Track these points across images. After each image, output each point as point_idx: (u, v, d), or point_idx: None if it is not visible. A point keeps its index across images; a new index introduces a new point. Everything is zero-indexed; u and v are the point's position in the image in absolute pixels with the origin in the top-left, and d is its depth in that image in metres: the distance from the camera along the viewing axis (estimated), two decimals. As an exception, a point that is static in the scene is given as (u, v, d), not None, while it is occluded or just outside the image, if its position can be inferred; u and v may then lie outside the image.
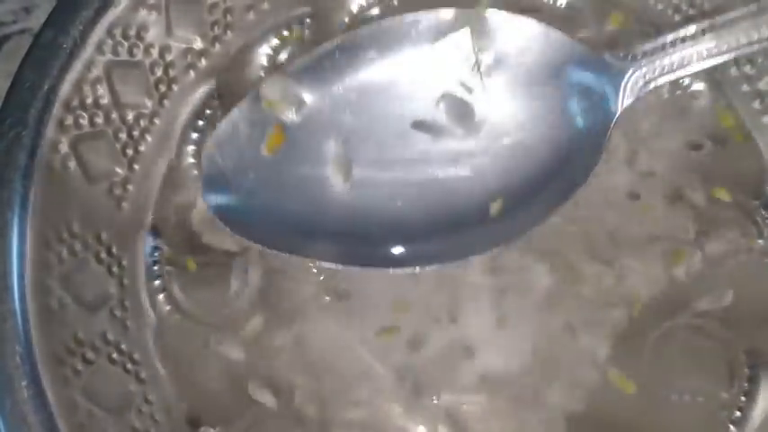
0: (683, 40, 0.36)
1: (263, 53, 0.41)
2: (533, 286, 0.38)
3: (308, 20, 0.42)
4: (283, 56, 0.41)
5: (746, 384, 0.37)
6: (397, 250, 0.38)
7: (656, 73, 0.36)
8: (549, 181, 0.37)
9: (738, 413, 0.37)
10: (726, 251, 0.39)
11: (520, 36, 0.37)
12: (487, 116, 0.38)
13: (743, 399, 0.37)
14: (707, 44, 0.35)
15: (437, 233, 0.37)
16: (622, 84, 0.36)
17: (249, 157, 0.38)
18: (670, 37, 0.36)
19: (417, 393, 0.37)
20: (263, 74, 0.41)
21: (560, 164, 0.37)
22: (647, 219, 0.39)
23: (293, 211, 0.38)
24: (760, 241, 0.39)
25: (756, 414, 0.37)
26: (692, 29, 0.35)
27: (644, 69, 0.36)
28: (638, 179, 0.39)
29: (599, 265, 0.38)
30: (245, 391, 0.38)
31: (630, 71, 0.36)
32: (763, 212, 0.39)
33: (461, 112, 0.38)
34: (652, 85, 0.36)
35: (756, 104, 0.40)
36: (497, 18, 0.37)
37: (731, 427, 0.37)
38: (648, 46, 0.36)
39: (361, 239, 0.38)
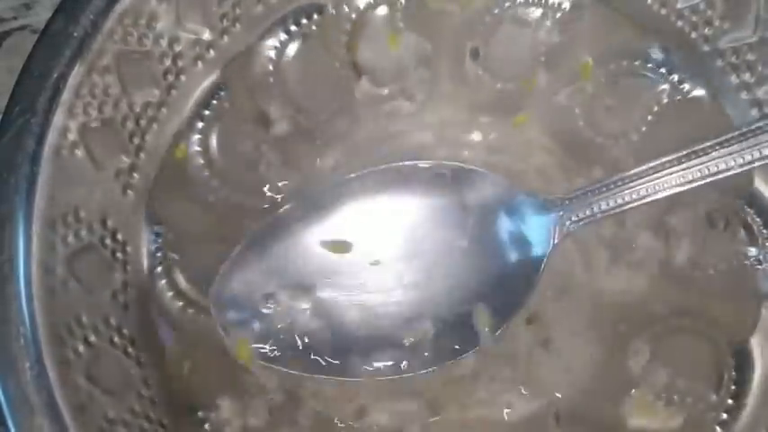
0: (608, 186, 0.37)
1: (270, 46, 0.42)
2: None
3: (315, 15, 0.42)
4: (291, 49, 0.42)
5: (734, 387, 0.38)
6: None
7: (585, 215, 0.37)
8: (500, 294, 0.38)
9: (725, 415, 0.38)
10: (715, 253, 0.39)
11: (466, 181, 0.38)
12: (422, 248, 0.39)
13: (730, 401, 0.38)
14: (639, 187, 0.36)
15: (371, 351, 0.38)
16: (555, 224, 0.37)
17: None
18: (598, 184, 0.37)
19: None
20: (270, 68, 0.42)
21: (493, 296, 0.38)
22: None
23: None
24: (753, 249, 0.39)
25: (743, 416, 0.38)
26: (615, 177, 0.37)
27: (573, 213, 0.37)
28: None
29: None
30: (244, 376, 0.38)
31: (561, 213, 0.37)
32: (749, 210, 0.40)
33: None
34: (580, 224, 0.37)
35: (754, 112, 0.40)
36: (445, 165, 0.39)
37: (717, 428, 0.38)
38: (577, 192, 0.37)
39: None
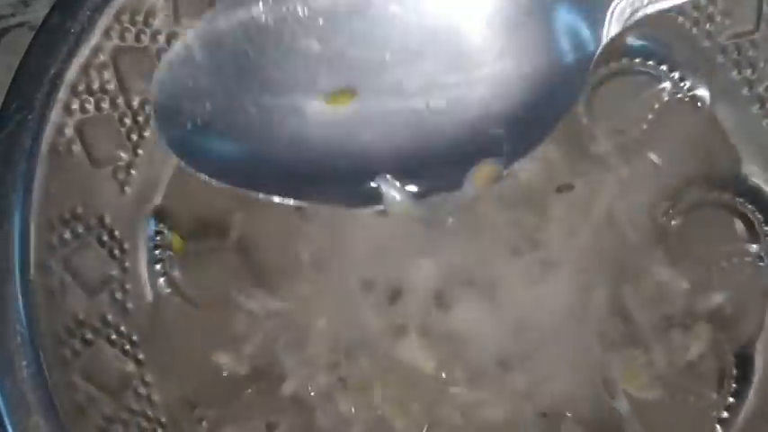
0: None
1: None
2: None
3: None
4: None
5: (735, 385, 0.38)
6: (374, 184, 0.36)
7: (645, 1, 0.34)
8: (529, 113, 0.36)
9: (726, 414, 0.38)
10: (717, 252, 0.39)
11: None
12: (471, 47, 0.36)
13: (731, 400, 0.38)
14: None
15: (412, 165, 0.36)
16: (608, 11, 0.34)
17: (205, 84, 0.36)
18: None
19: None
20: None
21: (543, 96, 0.36)
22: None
23: (255, 143, 0.36)
24: (753, 246, 0.39)
25: (743, 415, 0.38)
26: None
27: None
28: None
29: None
30: (242, 374, 0.38)
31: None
32: (750, 206, 0.40)
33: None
34: (640, 14, 0.34)
35: (755, 109, 0.40)
36: None
37: (718, 427, 0.37)
38: None
39: (338, 174, 0.36)
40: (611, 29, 0.34)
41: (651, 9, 0.34)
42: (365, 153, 0.36)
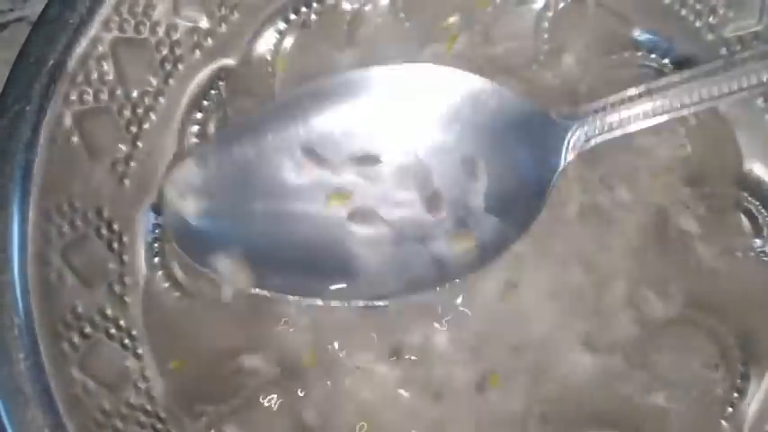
0: (623, 101, 0.37)
1: (269, 34, 0.41)
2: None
3: (315, 3, 0.42)
4: (288, 41, 0.41)
5: (739, 381, 0.38)
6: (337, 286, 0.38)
7: (597, 131, 0.37)
8: (488, 230, 0.38)
9: (730, 409, 0.37)
10: (721, 247, 0.39)
11: (471, 93, 0.38)
12: (433, 166, 0.39)
13: (735, 395, 0.37)
14: (643, 106, 0.37)
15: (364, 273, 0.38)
16: (566, 139, 0.37)
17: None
18: (612, 99, 0.37)
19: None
20: (269, 57, 0.41)
21: (501, 215, 0.38)
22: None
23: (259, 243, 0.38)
24: (757, 240, 0.39)
25: (748, 410, 0.37)
26: (632, 91, 0.37)
27: (586, 127, 0.37)
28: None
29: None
30: (240, 369, 0.38)
31: (574, 128, 0.37)
32: (754, 201, 0.39)
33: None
34: (593, 142, 0.37)
35: (760, 102, 0.40)
36: (450, 75, 0.38)
37: (723, 422, 0.37)
38: (592, 105, 0.37)
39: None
40: (567, 155, 0.38)
41: (602, 138, 0.37)
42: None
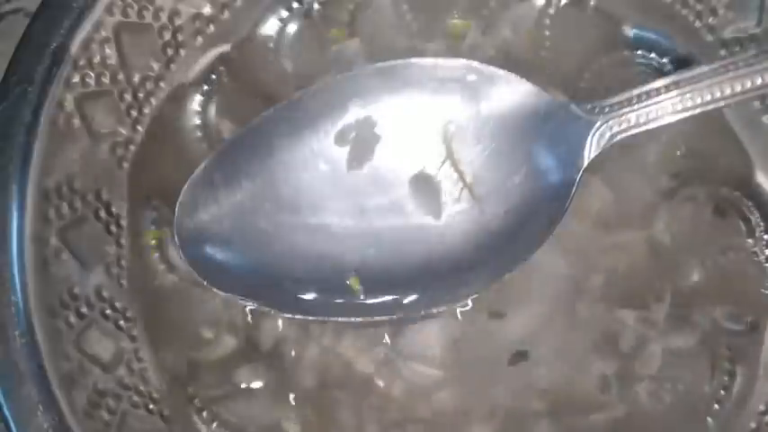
0: (649, 95, 0.35)
1: (271, 22, 0.41)
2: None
3: (317, -8, 0.42)
4: (291, 27, 0.42)
5: (726, 378, 0.38)
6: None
7: (623, 126, 0.35)
8: (513, 232, 0.37)
9: (717, 406, 0.38)
10: (717, 248, 0.39)
11: (492, 86, 0.37)
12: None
13: (722, 392, 0.38)
14: (672, 100, 0.35)
15: (397, 282, 0.37)
16: (590, 136, 0.36)
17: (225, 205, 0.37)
18: (636, 91, 0.35)
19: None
20: (271, 44, 0.41)
21: (526, 215, 0.37)
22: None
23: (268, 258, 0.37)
24: (749, 240, 0.39)
25: (734, 408, 0.38)
26: (657, 83, 0.35)
27: (611, 123, 0.35)
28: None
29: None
30: (235, 353, 0.39)
31: (598, 124, 0.36)
32: (748, 202, 0.40)
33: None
34: (617, 138, 0.36)
35: (757, 104, 0.40)
36: (473, 67, 0.37)
37: (709, 419, 0.38)
38: (616, 99, 0.36)
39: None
40: (592, 152, 0.36)
41: (628, 134, 0.35)
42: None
